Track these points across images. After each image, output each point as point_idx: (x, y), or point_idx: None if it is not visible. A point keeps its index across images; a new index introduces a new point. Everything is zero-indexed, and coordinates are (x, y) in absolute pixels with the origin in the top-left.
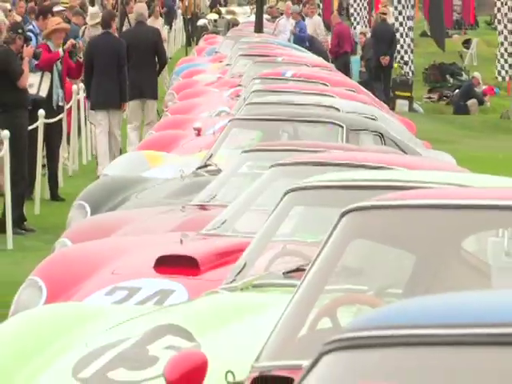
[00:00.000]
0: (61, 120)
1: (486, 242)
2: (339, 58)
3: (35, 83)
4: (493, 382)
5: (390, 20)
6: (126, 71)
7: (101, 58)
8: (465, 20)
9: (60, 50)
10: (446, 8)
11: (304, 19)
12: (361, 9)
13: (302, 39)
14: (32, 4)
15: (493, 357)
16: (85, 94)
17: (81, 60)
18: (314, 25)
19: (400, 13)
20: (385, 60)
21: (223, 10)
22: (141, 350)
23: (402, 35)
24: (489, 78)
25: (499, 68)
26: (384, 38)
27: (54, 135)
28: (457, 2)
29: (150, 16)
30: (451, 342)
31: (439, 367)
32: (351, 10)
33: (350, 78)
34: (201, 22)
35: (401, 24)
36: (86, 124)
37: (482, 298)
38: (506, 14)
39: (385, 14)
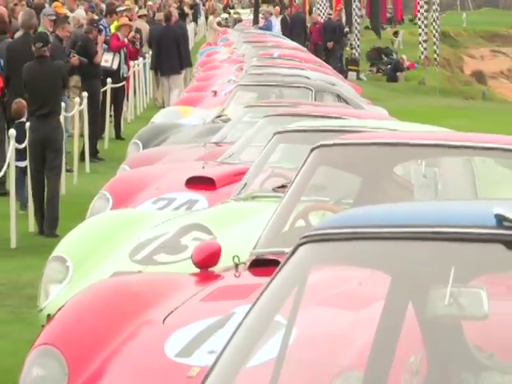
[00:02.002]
0: (124, 85)
1: (410, 168)
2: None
3: (109, 60)
4: (413, 264)
5: (341, 17)
6: (180, 50)
7: (164, 44)
8: (395, 17)
9: (125, 39)
10: (382, 9)
11: (286, 17)
12: (323, 7)
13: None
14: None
15: (413, 247)
16: (135, 69)
17: (137, 47)
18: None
19: (350, 13)
20: (330, 44)
21: (232, 11)
22: (176, 241)
23: (353, 28)
24: (410, 57)
25: (422, 49)
26: (329, 30)
27: (118, 95)
28: (389, 5)
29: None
30: (387, 237)
31: (378, 255)
32: (314, 8)
33: None
34: (218, 19)
35: (353, 20)
36: (139, 88)
37: (408, 207)
38: (422, 14)
39: (330, 14)
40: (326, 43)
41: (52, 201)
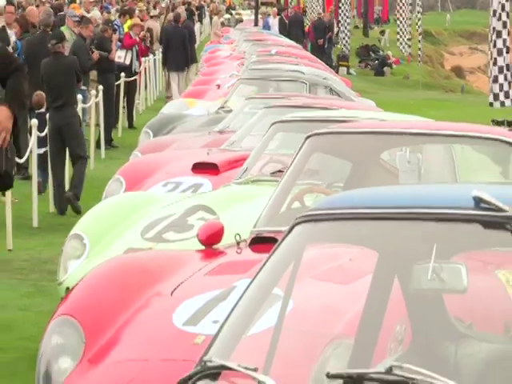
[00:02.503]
0: (136, 79)
1: (396, 155)
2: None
3: (122, 56)
4: (399, 242)
5: (332, 18)
6: (188, 48)
7: (174, 41)
8: (382, 18)
9: (137, 37)
10: (370, 10)
11: (283, 18)
12: (315, 8)
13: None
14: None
15: (398, 226)
16: (146, 64)
17: (147, 45)
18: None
19: (343, 14)
20: (320, 42)
21: (234, 12)
22: (183, 221)
23: (343, 28)
24: (396, 54)
25: (406, 47)
26: (319, 29)
27: (131, 88)
28: (377, 7)
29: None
30: (375, 217)
31: (366, 234)
32: (308, 10)
33: None
34: (221, 19)
35: (343, 21)
36: (150, 82)
37: (393, 190)
38: (406, 14)
39: (320, 14)
40: (317, 41)
41: (79, 183)
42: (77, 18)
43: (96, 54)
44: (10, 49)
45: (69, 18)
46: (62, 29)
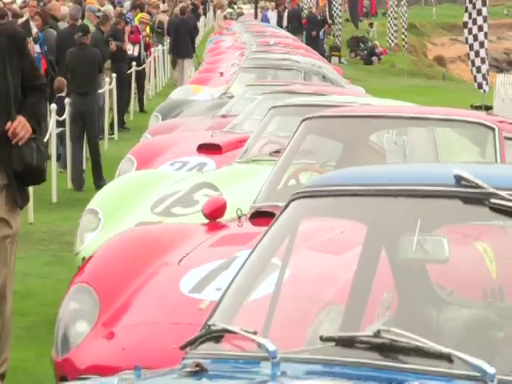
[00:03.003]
0: (144, 68)
1: (383, 136)
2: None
3: (131, 49)
4: (386, 216)
5: (325, 12)
6: (194, 38)
7: (181, 32)
8: (370, 12)
9: (144, 32)
10: (359, 4)
11: (280, 12)
12: (308, 2)
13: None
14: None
15: (386, 202)
16: (156, 54)
17: (150, 42)
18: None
19: (335, 8)
20: (313, 33)
21: (235, 6)
22: (189, 197)
23: (335, 21)
24: (383, 45)
25: (393, 38)
26: (313, 22)
27: (141, 76)
28: (366, 2)
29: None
30: (364, 194)
31: (356, 209)
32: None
33: None
34: (224, 13)
35: (335, 15)
36: (159, 70)
37: (381, 169)
38: (393, 8)
39: (311, 7)
40: (311, 33)
41: (96, 161)
42: (98, 13)
43: (113, 46)
44: (31, 40)
45: (90, 12)
46: (85, 22)
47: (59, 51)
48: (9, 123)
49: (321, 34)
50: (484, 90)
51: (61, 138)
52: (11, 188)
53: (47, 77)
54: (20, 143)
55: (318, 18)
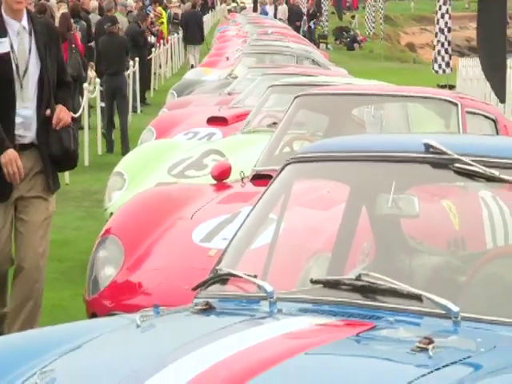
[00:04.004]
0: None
1: (363, 111)
2: None
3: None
4: (366, 178)
5: (314, 5)
6: (202, 28)
7: (190, 24)
8: (353, 5)
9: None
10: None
11: (276, 6)
12: None
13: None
14: None
15: (365, 166)
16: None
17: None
18: (283, 9)
19: (321, 3)
20: (297, 23)
21: (238, 1)
22: (200, 161)
23: (323, 13)
24: (363, 34)
25: (371, 28)
26: (297, 14)
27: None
28: None
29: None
30: (347, 159)
31: (341, 171)
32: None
33: None
34: (228, 7)
35: (323, 9)
36: (175, 54)
37: (362, 138)
38: (372, 3)
39: (297, 2)
40: (295, 23)
41: (124, 130)
42: (129, 8)
43: (148, 37)
44: (78, 28)
45: (122, 6)
46: (116, 14)
47: (97, 39)
48: (48, 110)
49: (311, 24)
50: (444, 71)
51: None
52: (46, 173)
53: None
54: (58, 127)
55: (310, 11)
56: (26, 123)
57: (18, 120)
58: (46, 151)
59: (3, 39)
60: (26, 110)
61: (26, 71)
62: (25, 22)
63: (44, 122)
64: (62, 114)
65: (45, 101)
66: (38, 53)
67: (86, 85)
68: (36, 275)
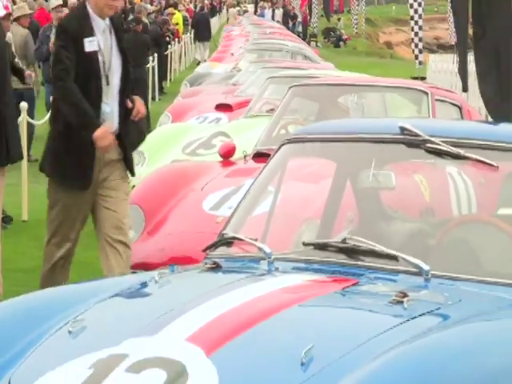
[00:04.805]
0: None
1: (348, 99)
2: None
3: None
4: (350, 156)
5: (306, 10)
6: (210, 28)
7: (200, 24)
8: (339, 9)
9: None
10: (331, 4)
11: (274, 10)
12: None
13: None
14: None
15: (349, 145)
16: (186, 39)
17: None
18: (279, 13)
19: (314, 7)
20: (288, 25)
21: (242, 5)
22: (209, 142)
23: (314, 15)
24: (348, 33)
25: (355, 29)
26: (287, 15)
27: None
28: (336, 2)
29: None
30: (334, 140)
31: (329, 150)
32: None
33: None
34: (235, 10)
35: (313, 12)
36: (188, 51)
37: (346, 122)
38: (355, 7)
39: (290, 5)
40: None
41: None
42: (149, 10)
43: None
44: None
45: (143, 9)
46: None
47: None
48: (130, 103)
49: (290, 25)
50: (420, 62)
51: None
52: (127, 160)
53: None
54: (136, 119)
55: (291, 13)
56: (110, 116)
57: (103, 113)
58: (127, 140)
59: (92, 38)
60: (110, 104)
61: (109, 68)
62: (107, 19)
63: (125, 114)
64: (141, 107)
65: (126, 95)
66: (118, 49)
67: None
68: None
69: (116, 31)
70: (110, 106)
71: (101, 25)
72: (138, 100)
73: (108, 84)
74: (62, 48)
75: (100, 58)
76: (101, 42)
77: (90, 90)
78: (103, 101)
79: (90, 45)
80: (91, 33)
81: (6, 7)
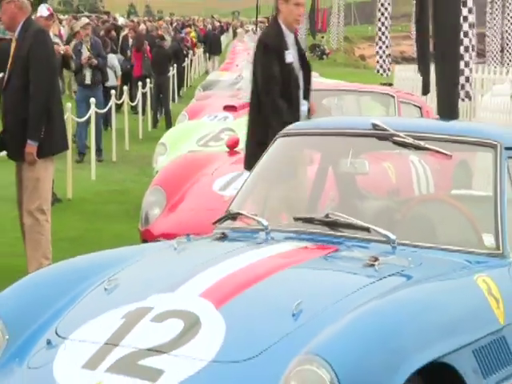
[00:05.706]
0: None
1: (330, 101)
2: None
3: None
4: (332, 147)
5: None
6: (220, 44)
7: (212, 41)
8: (322, 28)
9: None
10: (316, 24)
11: None
12: None
13: None
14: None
15: (331, 139)
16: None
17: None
18: None
19: (302, 27)
20: None
21: (245, 26)
22: (218, 135)
23: (302, 34)
24: (329, 48)
25: (335, 44)
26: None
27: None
28: (319, 23)
29: None
30: (320, 134)
31: (316, 142)
32: None
33: None
34: (240, 30)
35: (301, 31)
36: (200, 62)
37: (329, 119)
38: (335, 27)
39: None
40: None
41: (168, 112)
42: (167, 28)
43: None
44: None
45: (163, 28)
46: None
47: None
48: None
49: None
50: (387, 74)
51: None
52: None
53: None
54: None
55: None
56: (304, 114)
57: (302, 112)
58: None
59: (289, 51)
60: (305, 104)
61: (298, 74)
62: (292, 33)
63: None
64: (314, 106)
65: (306, 96)
66: (299, 57)
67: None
68: None
69: (297, 42)
70: (305, 105)
71: (290, 38)
72: (311, 101)
73: (300, 88)
74: (270, 63)
75: (295, 66)
76: (293, 52)
77: (291, 96)
78: (301, 103)
79: (288, 57)
80: (286, 46)
81: (48, 9)
